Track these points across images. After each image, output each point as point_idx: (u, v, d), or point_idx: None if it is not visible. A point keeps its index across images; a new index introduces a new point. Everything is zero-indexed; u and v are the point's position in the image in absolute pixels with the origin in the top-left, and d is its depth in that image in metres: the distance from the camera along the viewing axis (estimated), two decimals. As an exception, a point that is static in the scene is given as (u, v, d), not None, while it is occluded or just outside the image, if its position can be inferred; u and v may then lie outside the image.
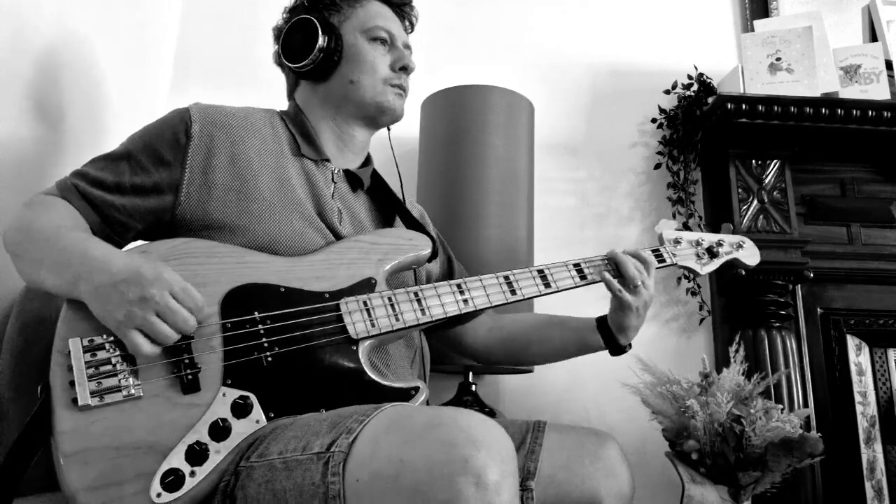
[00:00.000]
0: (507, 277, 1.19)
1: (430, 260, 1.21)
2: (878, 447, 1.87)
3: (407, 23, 1.30)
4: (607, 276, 1.22)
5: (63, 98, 1.44)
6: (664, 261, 1.34)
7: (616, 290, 1.21)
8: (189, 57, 2.09)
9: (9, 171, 1.26)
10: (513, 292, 1.18)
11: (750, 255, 1.43)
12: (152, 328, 0.87)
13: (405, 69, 1.23)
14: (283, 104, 1.30)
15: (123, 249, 1.05)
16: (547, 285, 1.21)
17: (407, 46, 1.26)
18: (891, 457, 1.87)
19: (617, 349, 1.27)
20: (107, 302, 0.88)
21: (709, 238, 1.41)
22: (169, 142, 1.08)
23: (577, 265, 1.25)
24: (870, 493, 1.83)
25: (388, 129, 1.30)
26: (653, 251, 1.33)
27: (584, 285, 1.25)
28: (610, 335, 1.26)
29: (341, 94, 1.21)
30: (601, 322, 1.28)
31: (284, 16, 1.27)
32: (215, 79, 2.07)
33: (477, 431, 0.73)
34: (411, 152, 1.93)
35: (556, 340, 1.32)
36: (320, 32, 1.17)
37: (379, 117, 1.24)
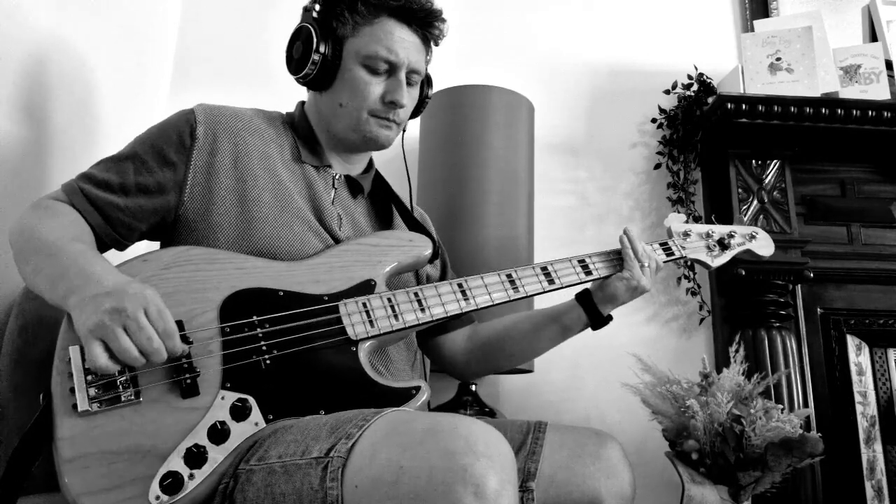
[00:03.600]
0: (509, 275, 1.18)
1: (431, 261, 1.20)
2: (878, 447, 1.87)
3: (430, 43, 1.21)
4: (625, 240, 1.24)
5: (53, 99, 1.43)
6: (673, 254, 1.31)
7: (630, 257, 1.22)
8: (189, 56, 2.09)
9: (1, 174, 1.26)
10: (515, 290, 1.17)
11: (763, 245, 1.39)
12: (115, 340, 0.83)
13: (394, 103, 1.15)
14: (284, 104, 1.29)
15: (128, 252, 1.05)
16: (550, 282, 1.20)
17: (415, 72, 1.17)
18: (891, 457, 1.87)
19: (599, 321, 1.26)
20: (83, 310, 0.86)
21: (720, 230, 1.37)
22: (174, 143, 1.09)
23: (581, 260, 1.24)
24: (870, 493, 1.83)
25: (403, 132, 1.27)
26: (661, 244, 1.32)
27: (588, 281, 1.24)
28: (593, 306, 1.25)
29: (331, 112, 1.18)
30: (583, 296, 1.27)
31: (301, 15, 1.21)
32: (216, 78, 2.07)
33: (477, 439, 0.73)
34: (411, 152, 1.93)
35: (532, 337, 1.30)
36: (314, 48, 1.12)
37: (362, 145, 1.20)
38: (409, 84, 1.18)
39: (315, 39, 1.13)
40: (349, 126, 1.17)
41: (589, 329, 1.28)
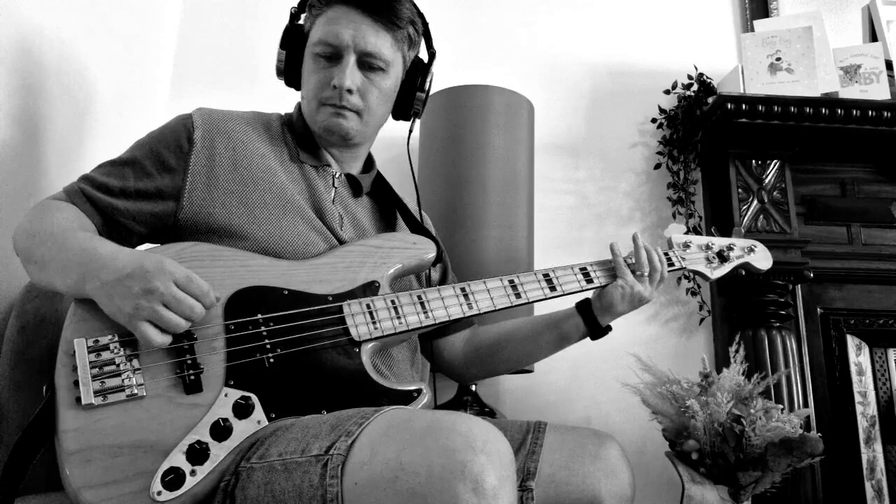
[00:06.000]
0: (511, 281, 1.19)
1: (434, 264, 1.20)
2: (878, 447, 1.87)
3: (393, 26, 1.15)
4: (613, 249, 1.25)
5: (50, 101, 1.43)
6: (673, 265, 1.33)
7: (620, 265, 1.23)
8: (189, 59, 2.09)
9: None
10: (517, 295, 1.18)
11: (762, 258, 1.41)
12: (161, 318, 0.88)
13: (337, 87, 1.12)
14: (284, 106, 1.30)
15: None
16: (552, 288, 1.21)
17: (369, 55, 1.13)
18: (891, 457, 1.87)
19: (597, 330, 1.26)
20: (114, 297, 0.89)
21: (719, 242, 1.39)
22: (172, 148, 1.09)
23: (583, 268, 1.25)
24: (870, 493, 1.83)
25: (409, 133, 1.28)
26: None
27: (589, 289, 1.25)
28: (591, 316, 1.25)
29: (301, 108, 1.21)
30: (582, 305, 1.27)
31: None
32: (215, 81, 2.07)
33: (475, 436, 0.73)
34: (412, 152, 1.93)
35: (530, 342, 1.30)
36: (280, 46, 1.18)
37: (325, 136, 1.19)
38: (368, 69, 1.15)
39: (281, 39, 1.18)
40: (310, 118, 1.18)
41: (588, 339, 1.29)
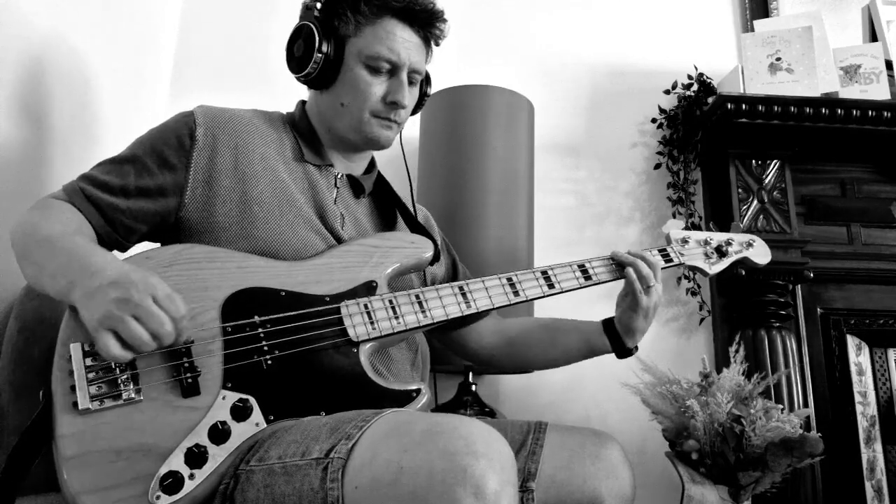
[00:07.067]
0: (509, 279, 1.19)
1: (432, 263, 1.20)
2: (878, 447, 1.87)
3: (431, 42, 1.21)
4: (631, 273, 1.21)
5: (52, 101, 1.43)
6: (671, 261, 1.32)
7: (637, 289, 1.20)
8: (189, 58, 2.09)
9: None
10: (515, 293, 1.18)
11: (760, 253, 1.40)
12: (127, 329, 0.82)
13: (396, 104, 1.15)
14: (284, 105, 1.29)
15: (129, 252, 1.06)
16: (550, 286, 1.20)
17: (415, 71, 1.17)
18: (891, 457, 1.87)
19: (623, 351, 1.26)
20: (90, 303, 0.85)
21: (717, 237, 1.38)
22: (174, 145, 1.08)
23: (581, 266, 1.25)
24: (870, 492, 1.83)
25: (400, 132, 1.26)
26: (659, 251, 1.32)
27: (588, 286, 1.24)
28: (617, 337, 1.25)
29: (332, 112, 1.18)
30: (608, 324, 1.27)
31: (300, 13, 1.21)
32: (215, 80, 2.07)
33: (477, 440, 0.73)
34: (411, 152, 1.92)
35: (559, 343, 1.30)
36: (316, 47, 1.12)
37: (363, 145, 1.20)
38: (409, 83, 1.18)
39: (317, 38, 1.12)
40: (350, 126, 1.17)
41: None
